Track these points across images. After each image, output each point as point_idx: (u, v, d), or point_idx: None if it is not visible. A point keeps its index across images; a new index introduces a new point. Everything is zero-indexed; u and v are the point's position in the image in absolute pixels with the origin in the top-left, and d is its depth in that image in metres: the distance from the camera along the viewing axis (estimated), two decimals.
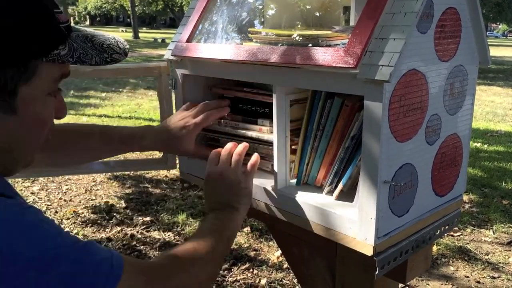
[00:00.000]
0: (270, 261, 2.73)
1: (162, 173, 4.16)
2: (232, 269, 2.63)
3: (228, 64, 1.01)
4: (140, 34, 30.04)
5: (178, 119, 1.05)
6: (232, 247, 2.82)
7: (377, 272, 0.81)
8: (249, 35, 1.04)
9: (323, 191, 0.95)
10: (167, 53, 1.15)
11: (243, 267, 2.66)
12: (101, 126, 1.15)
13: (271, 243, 2.92)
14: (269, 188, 0.99)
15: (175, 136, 1.03)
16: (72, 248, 0.60)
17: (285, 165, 0.98)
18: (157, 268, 0.71)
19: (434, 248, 2.92)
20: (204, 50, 1.04)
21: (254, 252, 2.83)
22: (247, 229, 3.05)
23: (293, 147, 0.98)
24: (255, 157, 0.97)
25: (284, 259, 2.71)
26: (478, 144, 5.39)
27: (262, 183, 1.01)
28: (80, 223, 3.15)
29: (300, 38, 0.93)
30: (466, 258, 2.83)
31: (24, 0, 0.60)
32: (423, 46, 0.79)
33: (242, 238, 2.95)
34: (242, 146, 0.98)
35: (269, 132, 1.03)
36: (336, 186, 0.92)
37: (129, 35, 28.67)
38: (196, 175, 1.18)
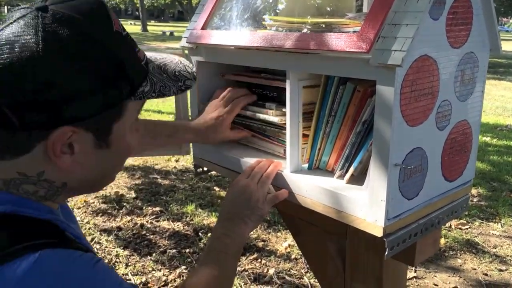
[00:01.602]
0: (278, 251, 2.76)
1: (171, 165, 4.20)
2: (241, 259, 2.66)
3: (243, 51, 1.03)
4: (148, 27, 30.07)
5: (212, 110, 1.13)
6: None
7: (386, 253, 0.83)
8: (263, 22, 1.06)
9: (334, 175, 0.97)
10: (182, 41, 1.17)
11: (251, 257, 2.69)
12: (144, 120, 1.20)
13: (279, 234, 2.95)
14: (281, 172, 1.02)
15: (212, 127, 1.11)
16: None
17: (297, 149, 1.00)
18: None
19: (442, 240, 2.94)
20: (219, 37, 1.07)
21: (263, 243, 2.86)
22: None
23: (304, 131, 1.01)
24: (283, 192, 1.01)
25: (292, 250, 2.74)
26: (488, 138, 5.37)
27: None
28: (91, 213, 3.20)
29: (314, 26, 0.94)
30: (473, 251, 2.84)
31: (115, 45, 0.64)
32: (435, 32, 0.81)
33: None
34: (273, 166, 1.03)
35: (274, 115, 1.07)
36: (347, 171, 0.94)
37: (138, 28, 28.72)
38: (209, 160, 1.21)
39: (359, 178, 0.94)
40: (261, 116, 1.09)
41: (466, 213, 3.31)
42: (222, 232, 0.94)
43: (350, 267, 1.04)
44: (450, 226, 3.13)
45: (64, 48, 0.59)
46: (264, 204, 0.98)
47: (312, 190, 0.95)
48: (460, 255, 2.80)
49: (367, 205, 0.84)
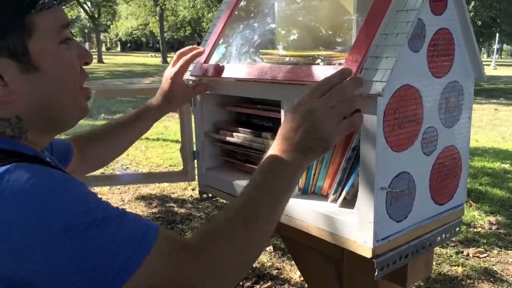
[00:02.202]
0: (292, 279, 2.76)
1: (188, 193, 4.26)
2: (254, 287, 2.67)
3: (242, 83, 1.10)
4: (168, 59, 30.73)
5: (164, 77, 1.18)
6: (254, 265, 2.86)
7: (376, 274, 0.86)
8: (260, 56, 1.13)
9: (328, 200, 1.02)
10: (186, 74, 1.25)
11: (265, 285, 2.69)
12: (120, 118, 1.23)
13: (293, 262, 2.95)
14: None
15: (168, 93, 1.16)
16: (110, 219, 0.61)
17: None
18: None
19: (460, 269, 2.89)
20: (220, 70, 1.14)
21: (277, 271, 2.86)
22: (269, 248, 3.09)
23: None
24: (359, 116, 0.80)
25: None
26: (507, 166, 5.29)
27: None
28: None
29: (306, 59, 1.01)
30: (492, 279, 2.78)
31: None
32: (415, 63, 0.86)
33: (264, 257, 2.99)
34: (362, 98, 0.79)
35: (270, 144, 1.11)
36: (340, 195, 0.98)
37: (158, 60, 29.45)
38: (213, 186, 1.26)
39: (352, 202, 0.97)
40: (257, 145, 1.15)
41: (484, 241, 3.26)
42: (274, 161, 0.77)
43: None
44: (468, 255, 3.08)
45: None
46: (334, 136, 0.77)
47: (307, 213, 0.99)
48: (478, 284, 2.74)
49: (357, 227, 0.88)
